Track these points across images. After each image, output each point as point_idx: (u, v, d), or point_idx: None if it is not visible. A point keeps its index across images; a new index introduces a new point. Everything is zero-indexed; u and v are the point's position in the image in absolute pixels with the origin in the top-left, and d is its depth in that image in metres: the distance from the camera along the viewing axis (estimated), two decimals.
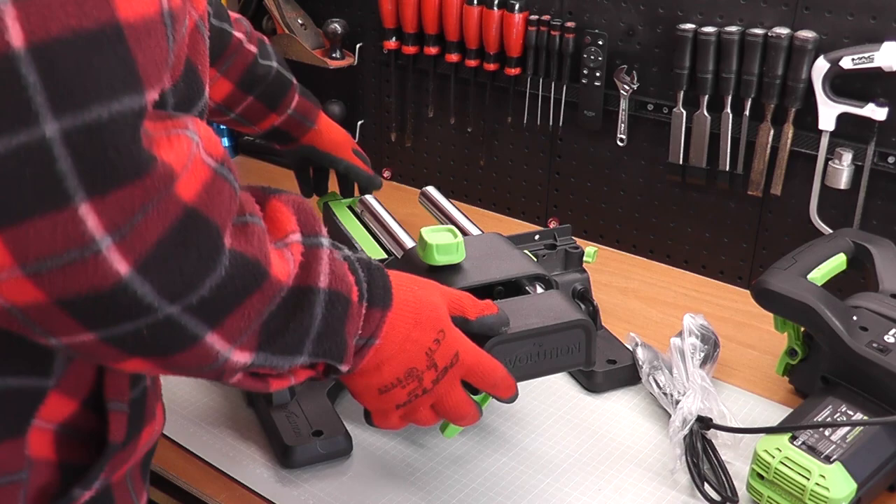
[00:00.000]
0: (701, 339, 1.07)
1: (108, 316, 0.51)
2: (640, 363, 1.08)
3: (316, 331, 0.64)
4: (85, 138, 0.46)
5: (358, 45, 1.67)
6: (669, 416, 1.00)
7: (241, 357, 0.60)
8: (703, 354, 1.06)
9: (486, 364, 0.80)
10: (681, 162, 1.39)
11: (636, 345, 1.11)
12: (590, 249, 1.21)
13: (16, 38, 0.44)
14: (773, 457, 0.90)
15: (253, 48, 1.19)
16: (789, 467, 0.89)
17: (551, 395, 1.09)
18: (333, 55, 1.64)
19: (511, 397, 0.83)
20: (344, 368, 0.70)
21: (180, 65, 0.59)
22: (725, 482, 0.94)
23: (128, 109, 0.47)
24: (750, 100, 1.29)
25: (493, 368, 0.81)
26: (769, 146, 1.31)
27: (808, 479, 0.88)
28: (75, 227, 0.46)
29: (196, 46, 0.63)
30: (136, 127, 0.48)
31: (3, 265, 0.47)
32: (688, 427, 0.97)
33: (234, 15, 1.19)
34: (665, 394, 1.04)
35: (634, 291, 1.36)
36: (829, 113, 1.24)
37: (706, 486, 0.94)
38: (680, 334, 1.07)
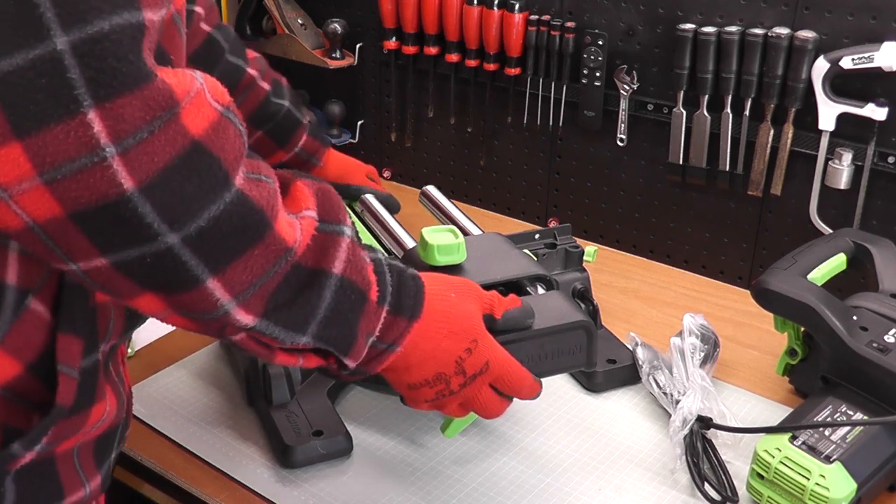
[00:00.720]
0: (701, 339, 1.07)
1: (115, 236, 0.55)
2: (640, 363, 1.08)
3: (323, 314, 0.66)
4: (90, 48, 0.51)
5: (358, 45, 1.67)
6: (669, 415, 1.00)
7: (244, 317, 0.62)
8: (703, 354, 1.06)
9: (514, 373, 0.81)
10: (681, 162, 1.39)
11: (636, 344, 1.11)
12: (590, 249, 1.20)
13: None
14: (773, 457, 0.90)
15: (266, 86, 1.23)
16: (789, 467, 0.89)
17: (551, 394, 1.09)
18: (333, 55, 1.64)
19: (533, 398, 0.84)
20: (349, 363, 0.71)
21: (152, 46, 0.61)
22: (726, 482, 0.94)
23: (126, 23, 0.52)
24: (750, 100, 1.29)
25: (520, 378, 0.82)
26: (769, 146, 1.31)
27: (808, 479, 0.88)
28: (84, 131, 0.51)
29: (172, 39, 0.66)
30: (136, 40, 0.53)
31: (23, 174, 0.51)
32: (688, 427, 0.97)
33: (252, 53, 1.24)
34: (665, 393, 1.04)
35: (634, 291, 1.36)
36: (829, 113, 1.24)
37: (706, 485, 0.94)
38: (680, 334, 1.07)
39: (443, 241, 0.92)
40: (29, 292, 0.63)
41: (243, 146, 0.60)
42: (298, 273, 0.63)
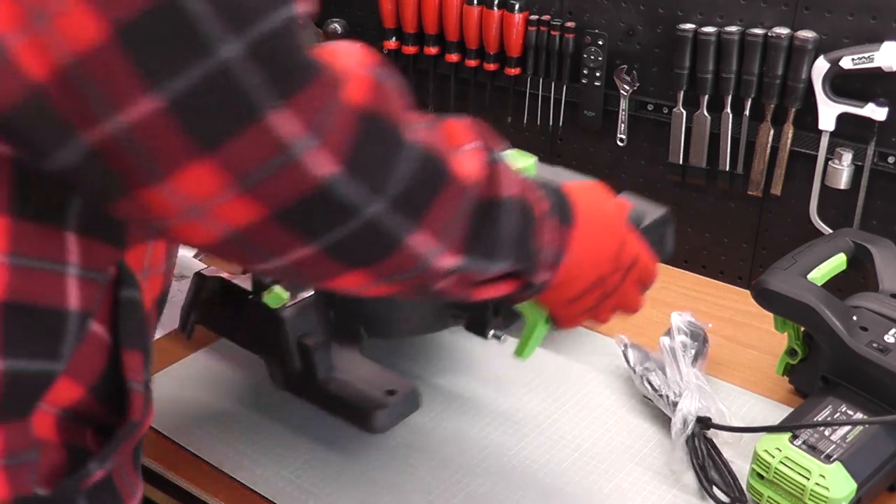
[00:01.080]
0: (690, 337, 1.07)
1: (322, 222, 0.55)
2: (631, 365, 1.08)
3: (514, 236, 0.68)
4: (260, 49, 0.50)
5: None
6: (666, 415, 1.00)
7: (448, 261, 0.63)
8: (693, 352, 1.06)
9: (654, 263, 0.85)
10: (681, 162, 1.39)
11: (625, 346, 1.10)
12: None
13: None
14: (773, 456, 0.90)
15: None
16: (789, 467, 0.89)
17: (551, 394, 1.09)
18: None
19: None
20: (538, 278, 0.73)
21: None
22: (732, 483, 0.94)
23: (287, 17, 0.51)
24: (750, 100, 1.29)
25: (656, 266, 0.86)
26: (769, 146, 1.31)
27: (808, 479, 0.88)
28: (270, 134, 0.50)
29: None
30: (296, 34, 0.52)
31: (220, 187, 0.51)
32: (689, 428, 0.97)
33: None
34: (661, 395, 1.03)
35: None
36: (829, 113, 1.24)
37: (713, 487, 0.94)
38: (668, 333, 1.07)
39: (522, 164, 0.91)
40: (89, 315, 0.62)
41: (404, 99, 0.60)
42: (483, 204, 0.64)
